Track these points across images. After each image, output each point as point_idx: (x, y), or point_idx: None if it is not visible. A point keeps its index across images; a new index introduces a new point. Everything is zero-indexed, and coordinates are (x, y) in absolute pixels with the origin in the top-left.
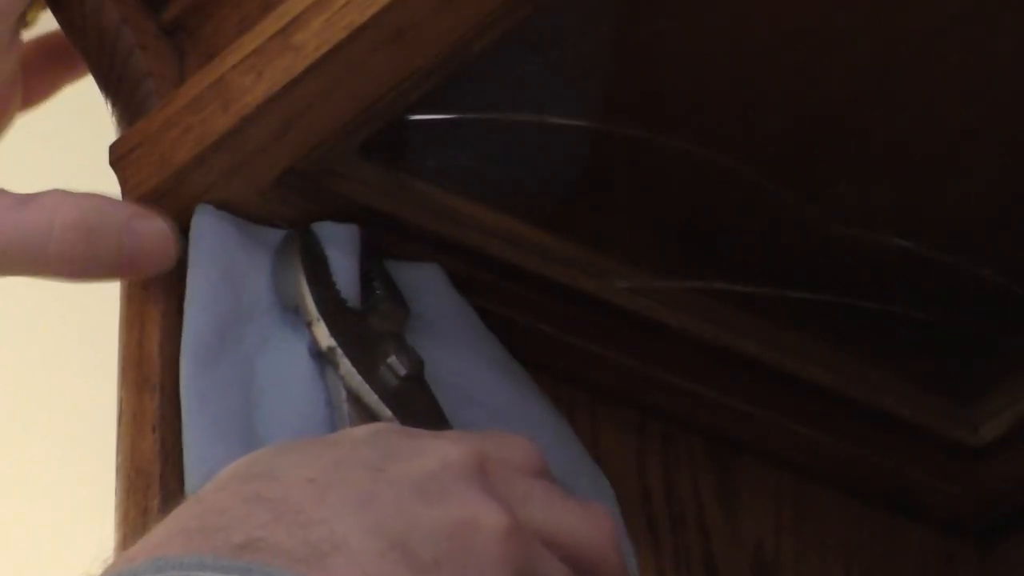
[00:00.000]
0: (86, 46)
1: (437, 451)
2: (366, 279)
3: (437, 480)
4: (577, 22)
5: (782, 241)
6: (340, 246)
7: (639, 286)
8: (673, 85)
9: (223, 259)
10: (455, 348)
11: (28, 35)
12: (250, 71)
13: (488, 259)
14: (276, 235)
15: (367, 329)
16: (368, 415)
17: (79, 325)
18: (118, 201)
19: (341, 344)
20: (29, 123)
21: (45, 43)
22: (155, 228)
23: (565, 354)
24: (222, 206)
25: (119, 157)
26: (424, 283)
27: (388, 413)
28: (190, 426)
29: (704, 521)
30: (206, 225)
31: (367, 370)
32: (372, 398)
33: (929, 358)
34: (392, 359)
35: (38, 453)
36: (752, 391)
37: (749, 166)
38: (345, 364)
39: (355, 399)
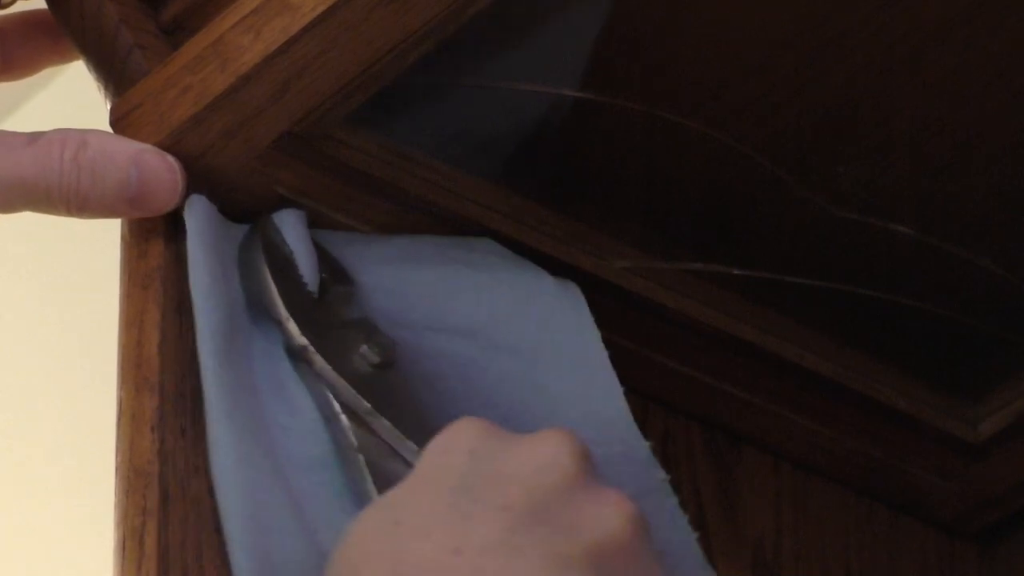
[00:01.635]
0: (85, 45)
1: (595, 521)
2: (324, 267)
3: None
4: None
5: (785, 227)
6: (298, 234)
7: (638, 266)
8: (684, 67)
9: (218, 252)
10: (408, 300)
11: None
12: (248, 31)
13: (487, 232)
14: (242, 231)
15: (335, 319)
16: (365, 427)
17: (79, 325)
18: (125, 138)
19: (312, 342)
20: (29, 123)
21: (30, 17)
22: (162, 163)
23: None
24: (221, 169)
25: (119, 117)
26: (353, 247)
27: (366, 405)
28: (219, 422)
29: (704, 520)
30: (202, 216)
31: (341, 363)
32: (349, 393)
33: (930, 353)
34: (364, 348)
35: (38, 453)
36: (750, 378)
37: (755, 151)
38: (319, 361)
39: (350, 412)
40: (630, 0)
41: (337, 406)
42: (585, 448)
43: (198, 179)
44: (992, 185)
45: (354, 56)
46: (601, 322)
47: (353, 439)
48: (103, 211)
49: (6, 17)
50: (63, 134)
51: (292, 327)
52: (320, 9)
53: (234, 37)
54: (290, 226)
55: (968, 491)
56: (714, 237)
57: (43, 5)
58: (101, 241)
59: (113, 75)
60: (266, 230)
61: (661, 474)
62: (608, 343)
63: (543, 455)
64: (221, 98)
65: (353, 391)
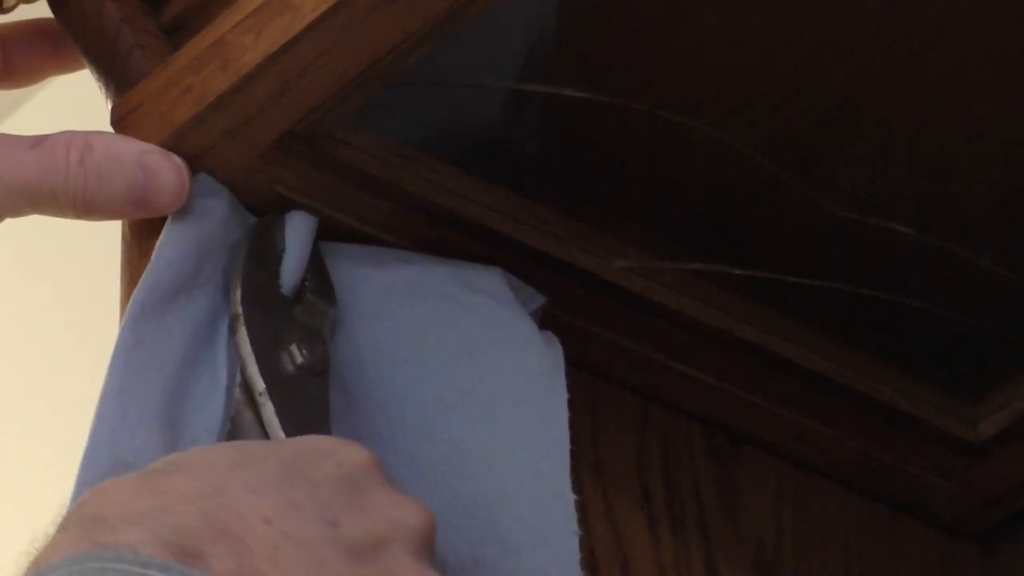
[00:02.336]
0: (86, 45)
1: (392, 517)
2: (312, 274)
3: (384, 548)
4: None
5: (785, 227)
6: (299, 238)
7: (638, 266)
8: (684, 67)
9: (202, 226)
10: (395, 331)
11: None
12: (249, 31)
13: (486, 232)
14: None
15: (287, 315)
16: (253, 407)
17: (79, 325)
18: (129, 138)
19: (247, 312)
20: (32, 121)
21: (33, 25)
22: (168, 164)
23: (562, 332)
24: (223, 169)
25: (120, 117)
26: (362, 269)
27: (260, 386)
28: (118, 361)
29: (704, 521)
30: (199, 191)
31: (263, 347)
32: (253, 369)
33: (931, 353)
34: (294, 347)
35: (37, 453)
36: (750, 378)
37: (755, 151)
38: (242, 332)
39: (246, 388)
40: (630, 0)
41: (238, 379)
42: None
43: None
44: (992, 185)
45: (355, 56)
46: (601, 322)
47: (232, 412)
48: (110, 213)
49: (8, 24)
50: (68, 136)
51: (236, 295)
52: (321, 9)
53: (235, 37)
54: (295, 228)
55: (968, 491)
56: (714, 237)
57: (47, 12)
58: (101, 241)
59: (114, 75)
60: (270, 224)
61: (575, 528)
62: (608, 343)
63: (403, 517)
64: (222, 98)
65: (256, 369)
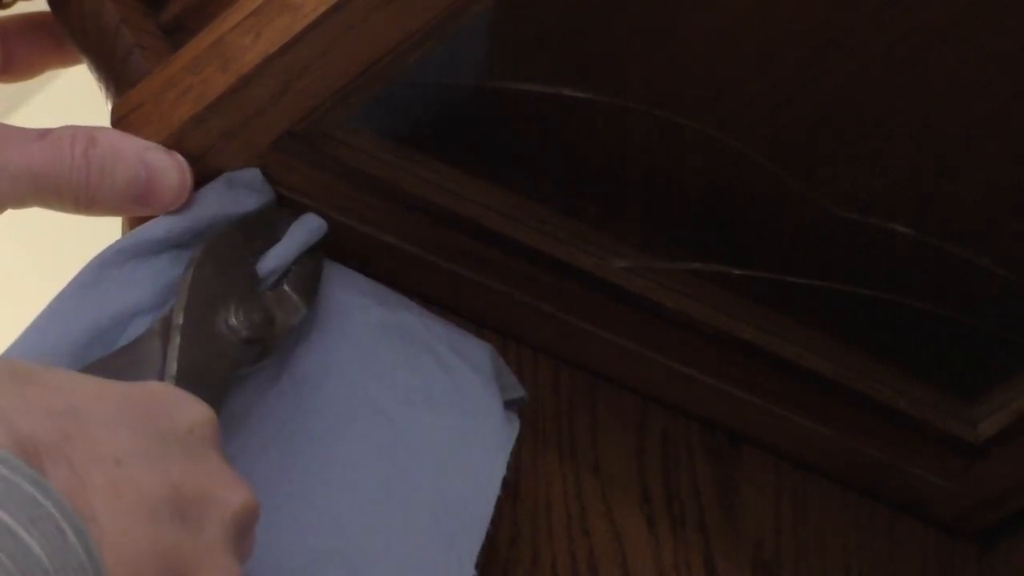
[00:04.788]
0: (86, 45)
1: (224, 492)
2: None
3: (208, 519)
4: None
5: (785, 227)
6: (298, 239)
7: (638, 266)
8: (684, 67)
9: (224, 212)
10: (368, 361)
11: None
12: (249, 31)
13: (486, 232)
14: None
15: (246, 286)
16: (164, 334)
17: None
18: (133, 136)
19: (201, 259)
20: (35, 119)
21: (33, 19)
22: (170, 162)
23: (563, 333)
24: (223, 169)
25: (120, 117)
26: (370, 300)
27: (179, 321)
28: (64, 291)
29: (704, 521)
30: (244, 182)
31: (203, 295)
32: (180, 303)
33: (930, 353)
34: (232, 307)
35: None
36: (750, 378)
37: (755, 151)
38: (188, 272)
39: (166, 317)
40: (631, 0)
41: (167, 309)
42: None
43: (199, 179)
44: (992, 185)
45: (354, 57)
46: (601, 322)
47: (141, 335)
48: (111, 208)
49: (8, 17)
50: (73, 130)
51: (204, 243)
52: (321, 10)
53: (235, 38)
54: (301, 226)
55: (968, 491)
56: (714, 237)
57: (46, 6)
58: (102, 241)
59: (114, 75)
60: (279, 212)
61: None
62: (608, 343)
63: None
64: (222, 98)
65: (183, 304)
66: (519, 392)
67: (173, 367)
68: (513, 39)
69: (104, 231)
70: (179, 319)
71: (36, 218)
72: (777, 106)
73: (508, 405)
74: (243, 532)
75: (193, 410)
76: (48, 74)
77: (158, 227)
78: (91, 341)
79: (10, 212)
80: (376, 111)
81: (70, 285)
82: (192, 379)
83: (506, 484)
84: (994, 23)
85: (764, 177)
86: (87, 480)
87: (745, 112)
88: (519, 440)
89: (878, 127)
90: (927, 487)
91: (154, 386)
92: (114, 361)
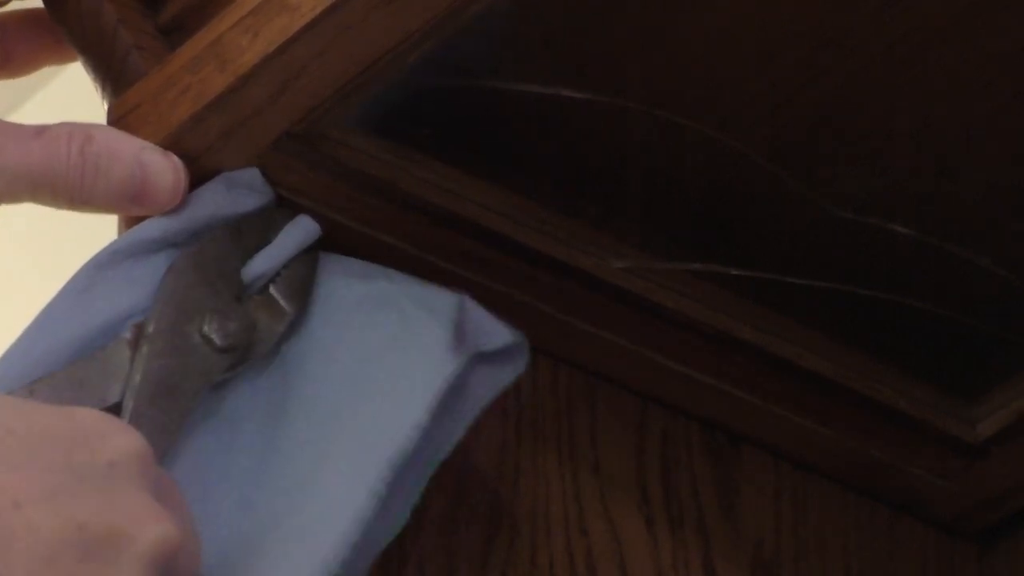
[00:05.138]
0: (83, 46)
1: (139, 527)
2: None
3: (120, 555)
4: None
5: (785, 227)
6: (291, 240)
7: (638, 266)
8: (684, 67)
9: (222, 212)
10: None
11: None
12: (247, 31)
13: (485, 232)
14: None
15: (227, 291)
16: (135, 345)
17: None
18: (130, 135)
19: (182, 267)
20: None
21: (32, 14)
22: (166, 163)
23: (562, 333)
24: (221, 170)
25: (118, 118)
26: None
27: (151, 328)
28: (57, 297)
29: (703, 521)
30: (243, 182)
31: (179, 301)
32: (155, 310)
33: (930, 353)
34: (208, 315)
35: None
36: (750, 378)
37: (755, 151)
38: (167, 278)
39: (141, 324)
40: (631, 0)
41: (142, 316)
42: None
43: (197, 180)
44: (992, 185)
45: (353, 57)
46: (600, 322)
47: (111, 342)
48: (105, 206)
49: (5, 13)
50: (70, 127)
51: (186, 249)
52: (319, 10)
53: (233, 37)
54: (292, 230)
55: (968, 491)
56: (714, 237)
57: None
58: (102, 240)
59: (111, 75)
60: (272, 214)
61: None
62: (608, 343)
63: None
64: (220, 98)
65: (159, 310)
66: (503, 338)
67: (136, 378)
68: (513, 39)
69: (104, 230)
70: (150, 327)
71: (36, 217)
72: (777, 106)
73: (496, 355)
74: (167, 567)
75: (118, 442)
76: (47, 73)
77: (154, 227)
78: (84, 347)
79: (10, 212)
80: (375, 111)
81: (63, 290)
82: (157, 388)
83: (500, 481)
84: (994, 23)
85: (764, 177)
86: None
87: (745, 112)
88: (518, 440)
89: (878, 127)
90: (927, 487)
91: (81, 415)
92: (84, 368)
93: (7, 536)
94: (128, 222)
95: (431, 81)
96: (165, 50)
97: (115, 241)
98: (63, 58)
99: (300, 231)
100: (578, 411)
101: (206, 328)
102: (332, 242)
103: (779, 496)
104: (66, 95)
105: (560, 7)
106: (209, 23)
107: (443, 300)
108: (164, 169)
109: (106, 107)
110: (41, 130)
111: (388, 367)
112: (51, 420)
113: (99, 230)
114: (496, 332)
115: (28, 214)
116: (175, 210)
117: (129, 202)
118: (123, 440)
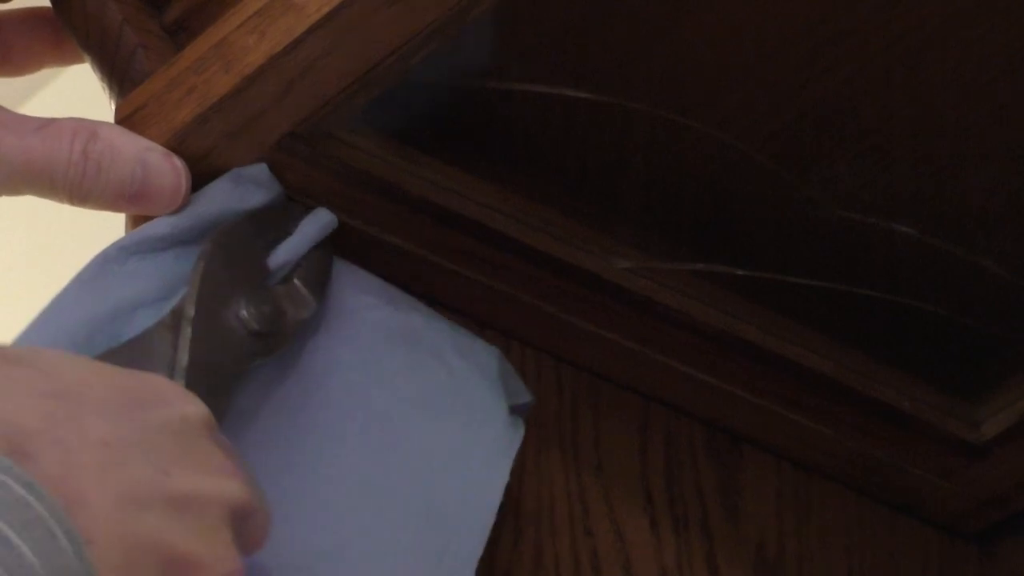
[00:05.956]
0: (89, 46)
1: (217, 482)
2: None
3: (204, 509)
4: None
5: (785, 227)
6: (311, 231)
7: (639, 267)
8: (684, 67)
9: (231, 208)
10: (372, 360)
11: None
12: (253, 31)
13: (489, 232)
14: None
15: (256, 279)
16: (175, 327)
17: None
18: (135, 135)
19: (212, 251)
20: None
21: (34, 13)
22: (168, 164)
23: (564, 333)
24: (226, 169)
25: (123, 118)
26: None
27: (191, 312)
28: (65, 289)
29: (706, 522)
30: (251, 177)
31: (213, 287)
32: (191, 294)
33: (932, 353)
34: (243, 300)
35: None
36: (751, 378)
37: (755, 151)
38: (200, 264)
39: (178, 309)
40: (631, 0)
41: (176, 300)
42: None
43: (202, 180)
44: (992, 185)
45: (357, 57)
46: (602, 322)
47: (151, 327)
48: (103, 204)
49: (9, 11)
50: (76, 123)
51: (214, 236)
52: (324, 10)
53: (238, 38)
54: (312, 222)
55: (968, 491)
56: (715, 237)
57: (47, 3)
58: (106, 237)
59: (117, 75)
60: (291, 208)
61: None
62: (611, 343)
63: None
64: (225, 99)
65: (195, 295)
66: (526, 397)
67: (184, 358)
68: (514, 39)
69: (109, 227)
70: (190, 311)
71: (38, 215)
72: (777, 106)
73: (514, 410)
74: (241, 524)
75: (187, 405)
76: (48, 72)
77: (162, 224)
78: (91, 334)
79: (12, 209)
80: (379, 111)
81: (71, 282)
82: (203, 371)
83: (508, 486)
84: (994, 23)
85: (764, 177)
86: (76, 462)
87: (746, 112)
88: (522, 441)
89: (879, 127)
90: (928, 487)
91: (151, 377)
92: (124, 352)
93: (99, 468)
94: (136, 219)
95: (435, 82)
96: (170, 50)
97: (123, 237)
98: (63, 59)
99: (319, 223)
100: (581, 411)
101: (243, 312)
102: (336, 241)
103: (781, 497)
104: (69, 93)
105: (562, 8)
106: (214, 23)
107: (484, 355)
108: (165, 171)
109: (113, 107)
110: (45, 123)
111: (450, 436)
112: (126, 380)
113: (102, 230)
114: (521, 390)
115: (30, 212)
116: (184, 207)
117: (128, 202)
118: (192, 407)
